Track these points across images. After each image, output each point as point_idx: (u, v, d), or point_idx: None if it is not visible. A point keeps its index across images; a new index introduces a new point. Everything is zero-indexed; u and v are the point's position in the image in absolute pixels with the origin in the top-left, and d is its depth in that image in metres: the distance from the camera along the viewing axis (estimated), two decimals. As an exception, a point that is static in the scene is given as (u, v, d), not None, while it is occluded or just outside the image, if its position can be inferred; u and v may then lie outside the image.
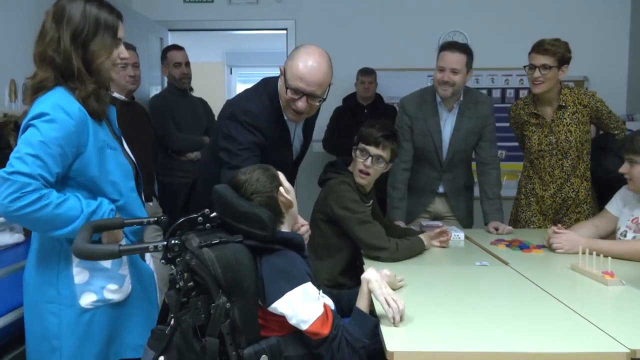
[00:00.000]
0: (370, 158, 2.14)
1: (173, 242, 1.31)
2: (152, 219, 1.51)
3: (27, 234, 2.32)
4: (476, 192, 2.81)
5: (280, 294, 1.35)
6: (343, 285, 2.09)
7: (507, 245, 2.27)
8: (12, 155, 1.31)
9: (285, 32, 4.57)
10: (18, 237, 2.37)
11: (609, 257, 1.79)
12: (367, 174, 2.16)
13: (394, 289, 1.63)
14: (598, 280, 1.76)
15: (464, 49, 2.51)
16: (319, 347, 1.36)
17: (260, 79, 2.09)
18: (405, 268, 1.92)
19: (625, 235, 2.13)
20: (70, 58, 1.40)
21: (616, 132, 2.58)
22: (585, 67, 4.16)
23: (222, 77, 7.22)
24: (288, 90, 1.89)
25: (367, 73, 4.06)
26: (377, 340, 1.38)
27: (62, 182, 1.39)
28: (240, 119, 1.91)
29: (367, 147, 2.14)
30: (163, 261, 1.34)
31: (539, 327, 1.38)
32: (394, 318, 1.35)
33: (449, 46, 2.53)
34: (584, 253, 1.86)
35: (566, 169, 2.59)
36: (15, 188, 1.27)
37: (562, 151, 2.56)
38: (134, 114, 2.84)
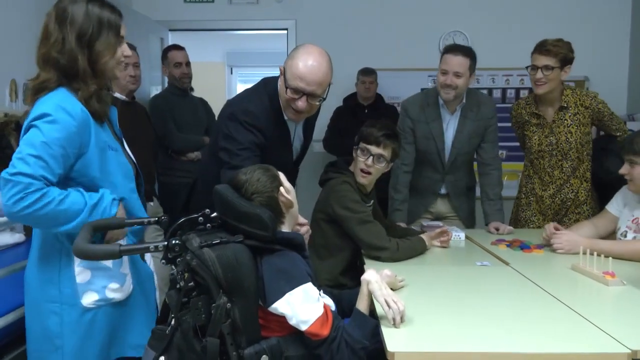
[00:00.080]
0: (371, 157, 2.14)
1: (174, 242, 1.31)
2: (152, 219, 1.51)
3: (28, 233, 2.32)
4: (477, 192, 2.82)
5: (281, 294, 1.35)
6: (344, 285, 2.09)
7: (507, 246, 2.27)
8: (14, 156, 1.32)
9: (285, 32, 4.57)
10: (19, 237, 2.37)
11: (610, 258, 1.79)
12: (369, 173, 2.16)
13: (394, 289, 1.64)
14: (599, 281, 1.76)
15: (468, 53, 2.49)
16: (318, 348, 1.36)
17: (261, 79, 2.09)
18: (405, 268, 1.91)
19: (625, 236, 2.13)
20: (75, 59, 1.41)
21: (618, 134, 2.57)
22: (586, 67, 4.15)
23: (222, 77, 7.23)
24: (288, 90, 1.89)
25: (367, 73, 4.06)
26: (377, 340, 1.38)
27: (63, 182, 1.39)
28: (240, 119, 1.91)
29: (368, 147, 2.14)
30: (164, 261, 1.34)
31: (540, 327, 1.38)
32: (394, 319, 1.35)
33: (453, 49, 2.52)
34: (584, 253, 1.86)
35: (566, 169, 2.59)
36: (18, 189, 1.28)
37: (562, 152, 2.56)
38: (135, 114, 2.84)
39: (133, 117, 2.75)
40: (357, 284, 1.48)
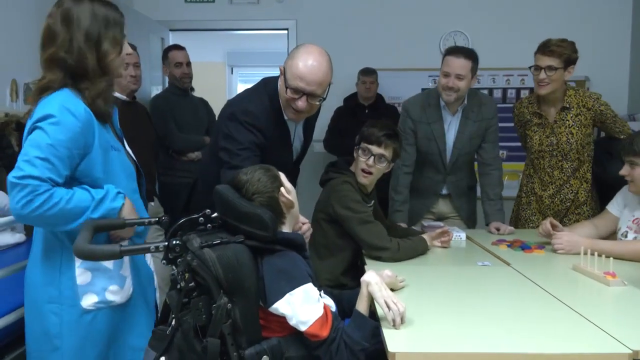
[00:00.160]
0: (372, 157, 2.14)
1: (174, 242, 1.31)
2: (153, 219, 1.51)
3: (29, 233, 2.33)
4: (477, 192, 2.82)
5: (281, 294, 1.34)
6: (344, 285, 2.09)
7: (508, 246, 2.27)
8: (20, 158, 1.32)
9: (286, 32, 4.57)
10: (19, 237, 2.37)
11: (611, 258, 1.79)
12: (370, 173, 2.16)
13: (395, 290, 1.64)
14: (600, 281, 1.76)
15: (470, 55, 2.47)
16: (317, 349, 1.36)
17: (261, 79, 2.09)
18: (406, 268, 1.91)
19: (626, 236, 2.13)
20: (84, 58, 1.41)
21: (622, 137, 2.55)
22: (587, 67, 4.14)
23: (223, 77, 7.23)
24: (288, 90, 1.89)
25: (368, 73, 4.06)
26: (378, 341, 1.37)
27: (68, 183, 1.39)
28: (240, 119, 1.91)
29: (369, 147, 2.14)
30: (164, 262, 1.34)
31: (541, 327, 1.38)
32: (394, 321, 1.34)
33: (455, 51, 2.50)
34: (585, 253, 1.86)
35: (566, 170, 2.58)
36: (26, 192, 1.28)
37: (563, 153, 2.56)
38: (135, 114, 2.84)
39: (134, 117, 2.75)
40: (358, 284, 1.47)
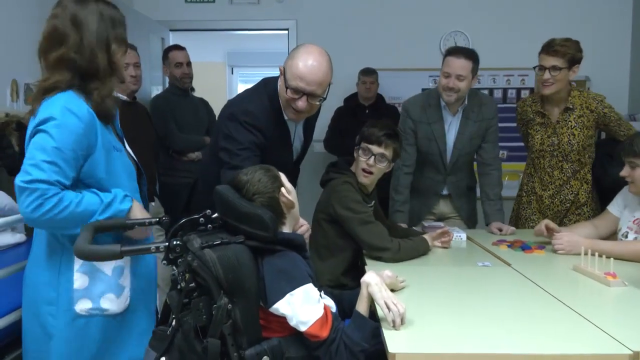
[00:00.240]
0: (373, 157, 2.14)
1: (175, 243, 1.31)
2: (154, 220, 1.50)
3: (29, 233, 2.33)
4: (476, 192, 2.82)
5: (282, 294, 1.35)
6: (345, 285, 2.09)
7: (509, 246, 2.27)
8: (26, 162, 1.32)
9: (286, 32, 4.57)
10: (19, 237, 2.37)
11: (611, 258, 1.79)
12: (371, 173, 2.16)
13: (395, 290, 1.64)
14: (600, 281, 1.76)
15: (470, 55, 2.47)
16: (317, 349, 1.36)
17: (261, 79, 2.09)
18: (407, 269, 1.91)
19: (626, 236, 2.12)
20: (95, 58, 1.43)
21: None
22: (587, 67, 4.10)
23: (223, 77, 7.23)
24: (288, 90, 1.89)
25: (368, 73, 4.06)
26: (378, 341, 1.37)
27: (73, 184, 1.40)
28: (240, 119, 1.91)
29: (370, 146, 2.14)
30: (165, 262, 1.34)
31: (541, 328, 1.38)
32: (394, 321, 1.34)
33: (455, 52, 2.50)
34: (585, 254, 1.86)
35: (565, 170, 2.58)
36: (36, 196, 1.29)
37: (563, 153, 2.55)
38: (136, 114, 2.84)
39: (134, 117, 2.75)
40: (359, 284, 1.47)
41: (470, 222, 2.76)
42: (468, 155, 2.66)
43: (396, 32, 4.47)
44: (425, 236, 2.21)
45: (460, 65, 2.43)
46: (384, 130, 2.14)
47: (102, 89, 1.44)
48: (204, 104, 3.69)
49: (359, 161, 2.18)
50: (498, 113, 2.68)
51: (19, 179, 1.31)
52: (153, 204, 2.87)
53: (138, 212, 1.48)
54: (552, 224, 2.25)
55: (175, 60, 3.52)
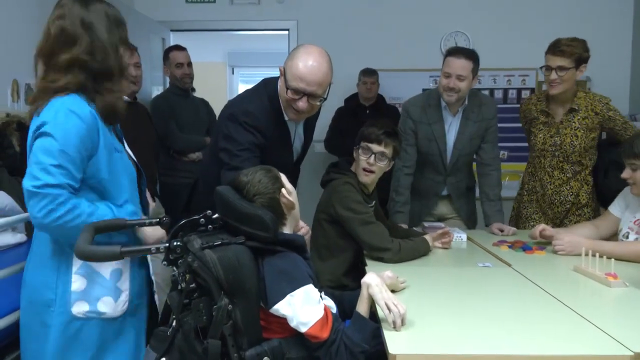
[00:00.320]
0: (373, 156, 2.14)
1: (175, 243, 1.31)
2: (154, 220, 1.50)
3: (30, 234, 2.32)
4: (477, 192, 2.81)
5: (282, 295, 1.34)
6: (346, 286, 2.08)
7: (509, 247, 2.26)
8: (35, 167, 1.32)
9: (287, 32, 4.57)
10: (20, 237, 2.37)
11: (612, 259, 1.79)
12: (371, 171, 2.16)
13: (396, 291, 1.64)
14: (601, 282, 1.76)
15: (470, 55, 2.47)
16: (317, 350, 1.36)
17: (261, 79, 2.09)
18: (407, 269, 1.91)
19: (627, 237, 2.12)
20: (108, 59, 1.43)
21: None
22: (587, 67, 4.13)
23: (224, 77, 7.24)
24: (289, 91, 1.89)
25: (369, 73, 4.06)
26: (379, 342, 1.37)
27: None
28: (240, 120, 1.91)
29: (370, 145, 2.14)
30: (165, 263, 1.34)
31: (542, 329, 1.38)
32: (394, 322, 1.34)
33: (455, 52, 2.50)
34: (586, 255, 1.85)
35: (566, 171, 2.57)
36: (48, 201, 1.30)
37: (565, 154, 2.54)
38: (136, 114, 2.84)
39: (135, 118, 2.75)
40: (360, 285, 1.47)
41: (469, 223, 2.76)
42: (468, 155, 2.66)
43: (397, 33, 4.47)
44: (426, 237, 2.21)
45: (460, 65, 2.43)
46: (383, 128, 2.15)
47: (115, 90, 1.45)
48: (204, 104, 3.70)
49: (359, 160, 2.18)
50: (499, 113, 2.67)
51: (29, 184, 1.30)
52: (154, 204, 2.87)
53: (149, 231, 1.49)
54: (549, 231, 2.23)
55: (176, 61, 3.52)
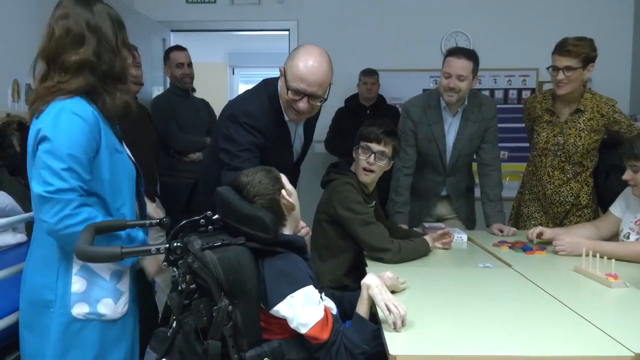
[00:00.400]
0: (372, 155, 2.14)
1: (175, 244, 1.31)
2: (154, 221, 1.50)
3: (30, 234, 2.32)
4: (476, 193, 2.81)
5: (282, 296, 1.34)
6: (347, 286, 2.08)
7: (509, 247, 2.26)
8: (45, 171, 1.31)
9: (287, 32, 4.57)
10: (20, 237, 2.37)
11: (613, 259, 1.79)
12: (371, 171, 2.16)
13: (396, 292, 1.63)
14: (602, 283, 1.76)
15: (471, 55, 2.47)
16: (317, 351, 1.36)
17: (261, 79, 2.08)
18: (407, 270, 1.91)
19: (628, 237, 2.12)
20: (116, 60, 1.44)
21: None
22: (588, 68, 4.15)
23: (224, 77, 7.24)
24: (289, 92, 1.88)
25: (369, 74, 4.06)
26: (379, 343, 1.37)
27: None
28: (240, 120, 1.91)
29: (369, 145, 2.14)
30: (165, 263, 1.34)
31: (542, 329, 1.38)
32: (394, 323, 1.34)
33: (456, 52, 2.50)
34: (587, 255, 1.85)
35: (567, 171, 2.56)
36: (61, 206, 1.30)
37: (567, 154, 2.53)
38: (137, 115, 2.84)
39: (135, 118, 2.75)
40: (361, 285, 1.47)
41: (468, 223, 2.76)
42: (468, 156, 2.66)
43: (397, 33, 4.47)
44: (426, 237, 2.21)
45: (460, 65, 2.43)
46: (383, 128, 2.15)
47: (123, 92, 1.46)
48: (204, 104, 3.70)
49: (359, 160, 2.18)
50: (499, 113, 2.67)
51: (40, 189, 1.30)
52: (154, 204, 2.87)
53: (153, 259, 1.51)
54: (547, 234, 2.23)
55: (176, 61, 3.52)
